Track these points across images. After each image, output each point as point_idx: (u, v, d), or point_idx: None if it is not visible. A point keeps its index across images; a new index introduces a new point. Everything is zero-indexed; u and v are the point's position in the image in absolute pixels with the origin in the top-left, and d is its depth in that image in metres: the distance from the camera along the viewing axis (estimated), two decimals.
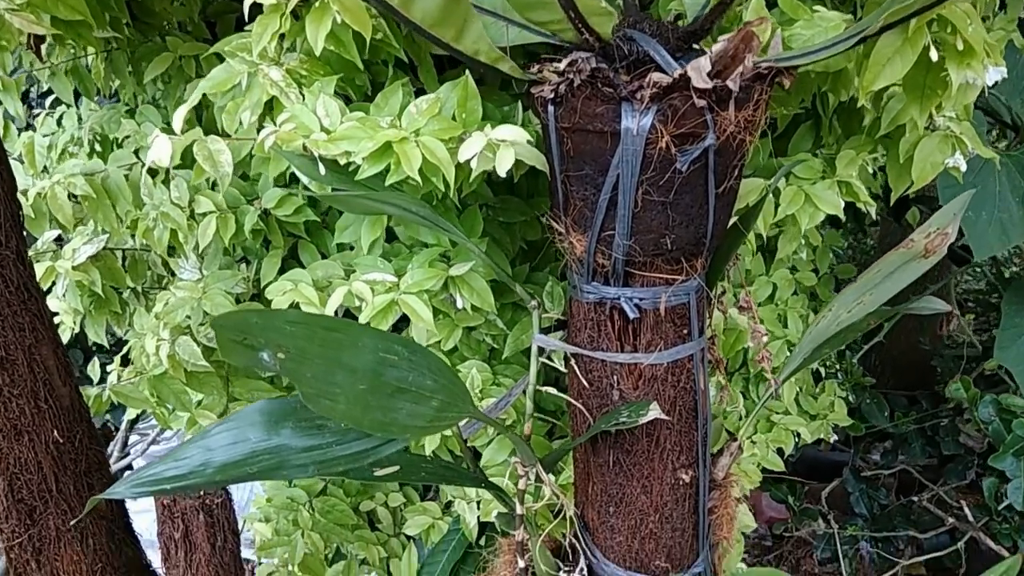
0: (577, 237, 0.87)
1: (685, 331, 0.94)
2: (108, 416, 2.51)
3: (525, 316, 1.17)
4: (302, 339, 0.64)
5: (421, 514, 1.56)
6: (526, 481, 1.03)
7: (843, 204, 1.00)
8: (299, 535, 1.50)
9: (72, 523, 1.05)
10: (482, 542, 1.52)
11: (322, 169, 0.80)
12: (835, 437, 1.89)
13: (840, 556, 2.26)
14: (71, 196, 1.20)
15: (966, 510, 2.05)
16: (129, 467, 2.24)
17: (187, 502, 1.11)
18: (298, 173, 0.82)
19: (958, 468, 2.32)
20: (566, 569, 1.09)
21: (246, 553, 2.42)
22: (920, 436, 2.41)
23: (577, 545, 1.12)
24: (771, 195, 1.01)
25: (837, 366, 1.86)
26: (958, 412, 2.39)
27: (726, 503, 1.10)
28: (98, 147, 1.39)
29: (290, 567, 1.47)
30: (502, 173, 0.78)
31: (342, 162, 0.80)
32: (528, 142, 0.79)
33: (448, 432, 1.32)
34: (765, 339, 0.99)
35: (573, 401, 1.00)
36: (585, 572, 1.08)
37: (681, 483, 1.00)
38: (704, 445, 1.01)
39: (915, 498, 2.32)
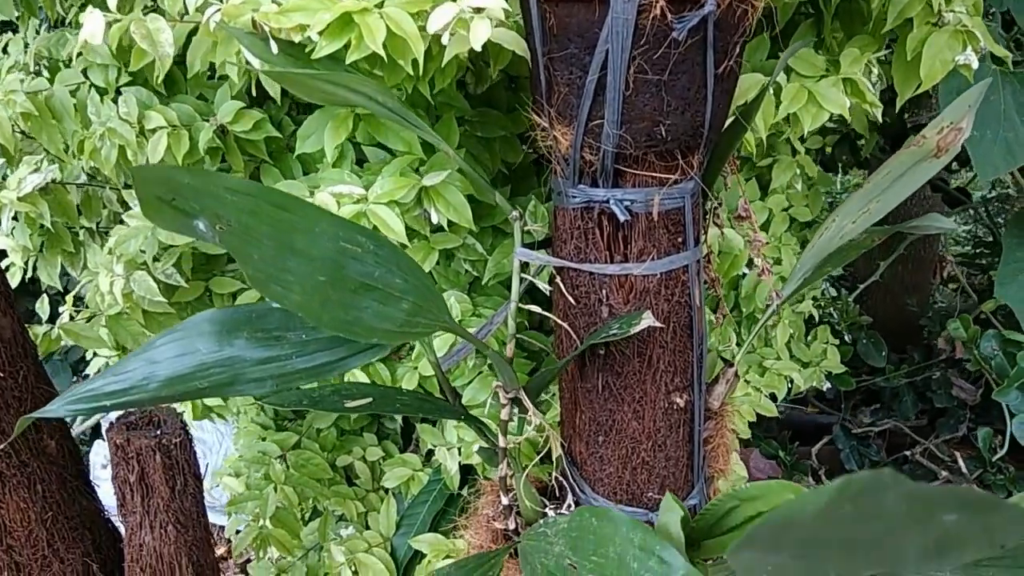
0: (562, 130, 0.79)
1: (680, 239, 0.86)
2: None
3: (506, 240, 1.09)
4: (247, 214, 0.56)
5: (400, 466, 1.49)
6: (509, 411, 0.96)
7: (848, 104, 0.93)
8: (271, 489, 1.42)
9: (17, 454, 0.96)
10: (464, 492, 1.45)
11: (274, 47, 0.71)
12: (828, 385, 1.83)
13: None
14: (13, 122, 1.10)
15: (960, 462, 2.00)
16: (96, 429, 2.15)
17: (142, 441, 1.02)
18: (248, 55, 0.74)
19: (950, 422, 2.27)
20: (553, 506, 1.02)
21: (217, 519, 2.34)
22: (911, 390, 2.36)
23: (564, 481, 1.05)
24: (772, 95, 0.93)
25: (833, 307, 1.80)
26: (951, 364, 2.35)
27: (722, 433, 1.04)
28: (46, 73, 1.29)
29: (262, 522, 1.39)
30: (477, 47, 0.69)
31: (297, 39, 0.71)
32: (504, 11, 0.71)
33: (428, 368, 1.24)
34: (764, 246, 0.91)
35: (559, 322, 0.93)
36: (573, 508, 1.01)
37: (675, 408, 0.93)
38: (699, 367, 0.94)
39: (907, 452, 2.28)
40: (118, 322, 1.25)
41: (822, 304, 1.69)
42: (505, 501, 1.02)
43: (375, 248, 0.67)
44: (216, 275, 1.32)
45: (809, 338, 1.83)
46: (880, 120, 0.97)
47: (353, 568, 1.35)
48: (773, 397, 1.64)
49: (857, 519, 0.27)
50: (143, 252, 1.18)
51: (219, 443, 2.31)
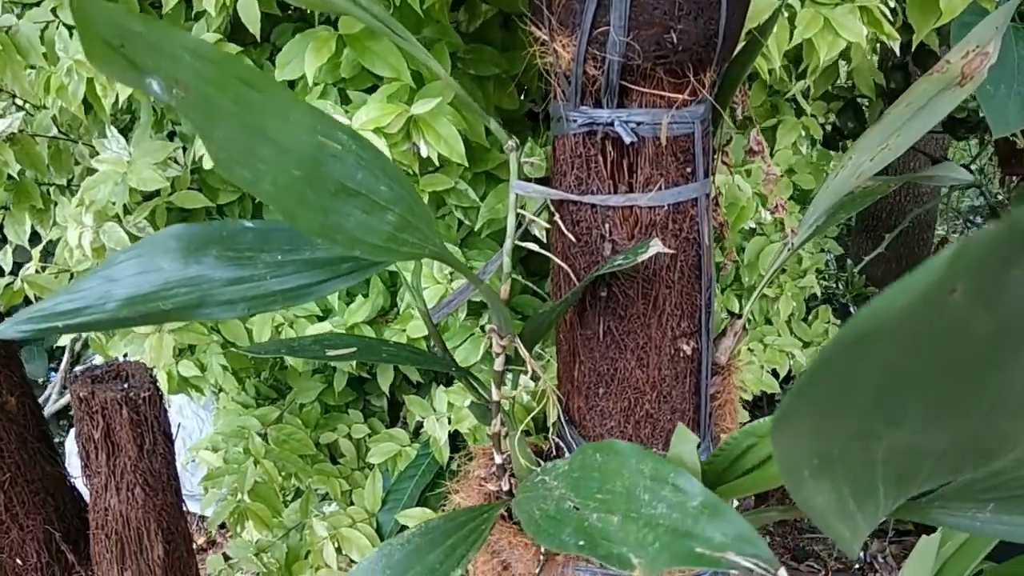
0: (563, 41, 0.73)
1: (689, 169, 0.80)
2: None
3: (500, 185, 1.03)
4: (209, 83, 0.49)
5: (387, 441, 1.42)
6: (503, 360, 0.89)
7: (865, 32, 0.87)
8: (250, 462, 1.34)
9: None
10: (454, 467, 1.38)
11: None
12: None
13: None
14: None
15: None
16: (67, 409, 2.07)
17: (107, 394, 0.95)
18: None
19: None
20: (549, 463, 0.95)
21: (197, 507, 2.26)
22: None
23: (560, 442, 0.98)
24: (787, 21, 0.88)
25: (837, 279, 1.74)
26: None
27: (729, 390, 0.97)
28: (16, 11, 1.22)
29: (240, 495, 1.32)
30: None
31: None
32: None
33: (416, 331, 1.18)
34: (778, 178, 0.85)
35: (559, 263, 0.86)
36: None
37: (682, 355, 0.87)
38: (708, 312, 0.88)
39: None
40: None
41: (825, 276, 1.64)
42: (498, 460, 0.95)
43: (357, 149, 0.60)
44: None
45: (810, 317, 1.78)
46: (887, 83, 0.91)
47: (336, 544, 1.28)
48: (775, 374, 1.58)
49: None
50: (113, 204, 1.12)
51: (199, 429, 2.23)
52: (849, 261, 1.86)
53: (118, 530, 1.00)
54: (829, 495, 0.42)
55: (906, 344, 0.23)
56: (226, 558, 1.41)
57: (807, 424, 0.33)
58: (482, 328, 1.18)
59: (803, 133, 1.33)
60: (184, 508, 1.09)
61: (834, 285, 1.66)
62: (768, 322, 1.66)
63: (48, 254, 1.25)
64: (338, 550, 1.27)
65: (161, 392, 1.00)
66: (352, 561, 1.39)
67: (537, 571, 0.92)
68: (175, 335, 1.20)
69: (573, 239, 0.83)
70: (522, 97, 1.13)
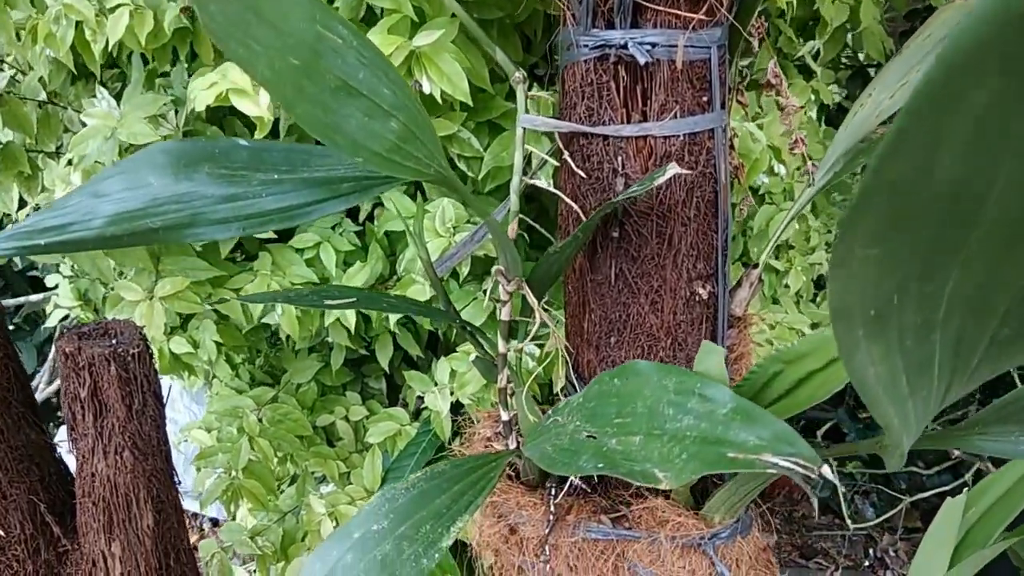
0: None
1: (705, 98, 0.77)
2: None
3: (504, 133, 0.99)
4: None
5: (386, 420, 1.37)
6: (510, 309, 0.85)
7: None
8: (245, 440, 1.30)
9: None
10: (456, 444, 1.34)
11: None
12: None
13: (839, 491, 2.10)
14: None
15: None
16: (57, 395, 2.02)
17: (95, 350, 0.90)
18: None
19: (958, 402, 2.18)
20: None
21: (191, 505, 2.20)
22: None
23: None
24: None
25: None
26: None
27: (745, 343, 0.93)
28: None
29: (234, 473, 1.27)
30: None
31: None
32: None
33: (418, 296, 1.13)
34: (798, 109, 0.81)
35: (569, 202, 0.82)
36: None
37: (698, 299, 0.83)
38: (724, 255, 0.84)
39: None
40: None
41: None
42: (505, 417, 0.91)
43: (359, 46, 0.56)
44: None
45: (818, 299, 1.74)
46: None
47: (335, 522, 1.22)
48: None
49: None
50: (100, 164, 1.08)
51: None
52: None
53: (105, 497, 0.95)
54: (881, 366, 0.38)
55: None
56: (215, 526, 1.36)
57: (868, 259, 0.29)
58: (485, 292, 1.14)
59: (812, 98, 1.30)
60: (176, 478, 1.04)
61: None
62: (775, 301, 1.62)
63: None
64: (337, 527, 1.22)
65: (151, 350, 0.95)
66: None
67: (546, 531, 0.88)
68: (167, 302, 1.16)
69: (584, 175, 0.80)
70: (526, 53, 1.10)
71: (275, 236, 1.24)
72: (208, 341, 1.33)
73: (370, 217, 1.24)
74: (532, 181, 0.81)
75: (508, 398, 0.90)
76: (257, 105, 0.85)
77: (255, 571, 1.56)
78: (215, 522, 2.25)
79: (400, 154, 0.61)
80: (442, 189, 1.03)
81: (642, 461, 0.52)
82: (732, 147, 0.89)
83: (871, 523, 2.20)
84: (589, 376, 0.90)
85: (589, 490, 0.91)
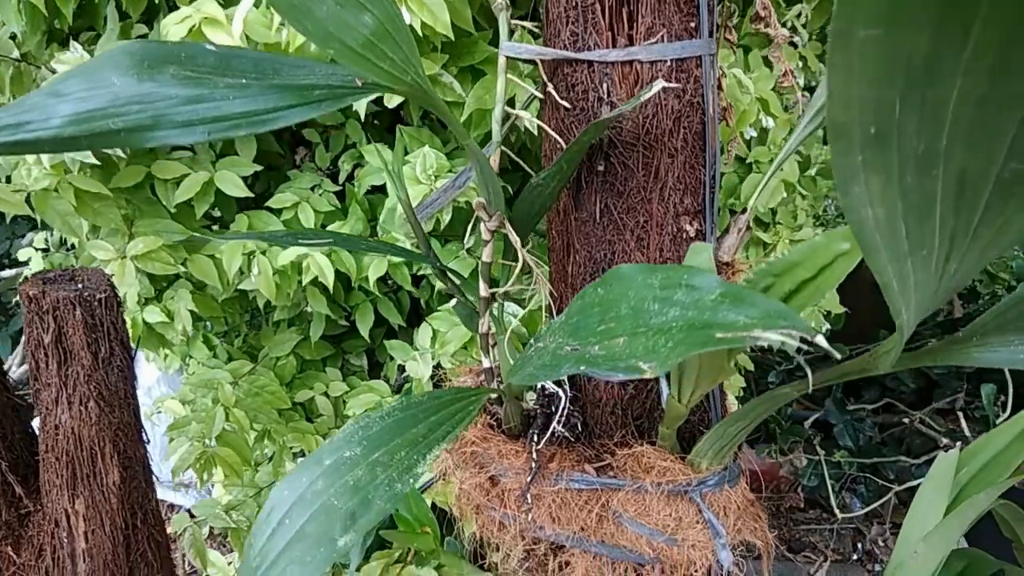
0: None
1: (693, 24, 0.75)
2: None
3: (487, 77, 0.97)
4: None
5: (367, 393, 1.34)
6: (492, 249, 0.82)
7: None
8: (220, 409, 1.26)
9: None
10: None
11: None
12: (826, 326, 1.72)
13: (827, 480, 2.08)
14: None
15: (963, 423, 1.89)
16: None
17: (59, 293, 0.87)
18: None
19: (952, 385, 2.17)
20: None
21: (167, 495, 2.14)
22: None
23: None
24: None
25: (837, 222, 1.69)
26: (948, 329, 2.25)
27: None
28: None
29: (207, 441, 1.23)
30: None
31: None
32: None
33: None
34: (787, 39, 0.79)
35: (554, 136, 0.80)
36: (562, 398, 0.87)
37: (684, 236, 0.81)
38: (712, 192, 0.81)
39: (906, 420, 2.16)
40: (46, 200, 1.10)
41: (824, 223, 1.59)
42: (487, 363, 0.88)
43: None
44: (160, 160, 1.18)
45: None
46: None
47: None
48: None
49: None
50: None
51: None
52: None
53: (69, 451, 0.92)
54: (880, 207, 0.36)
55: None
56: (191, 516, 1.32)
57: (869, 44, 0.27)
58: (469, 251, 1.11)
59: (799, 64, 1.28)
60: (144, 437, 1.00)
61: (837, 221, 1.62)
62: None
63: (7, 183, 1.18)
64: None
65: (119, 297, 0.92)
66: None
67: (528, 480, 0.85)
68: (140, 262, 1.13)
69: (568, 106, 0.77)
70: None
71: (252, 197, 1.21)
72: (183, 310, 1.29)
73: (350, 179, 1.21)
74: (518, 113, 0.79)
75: (490, 345, 0.87)
76: (230, 35, 0.82)
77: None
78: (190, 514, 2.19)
79: (374, 52, 0.59)
80: (422, 136, 1.00)
81: (626, 358, 0.49)
82: (721, 88, 0.87)
83: (859, 512, 2.18)
84: None
85: (573, 439, 0.88)
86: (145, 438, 1.01)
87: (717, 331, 0.44)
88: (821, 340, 0.41)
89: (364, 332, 1.30)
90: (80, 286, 0.89)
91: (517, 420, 0.87)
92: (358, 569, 1.35)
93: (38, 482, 1.00)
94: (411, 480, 0.63)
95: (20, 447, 1.03)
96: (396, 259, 1.10)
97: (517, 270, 0.83)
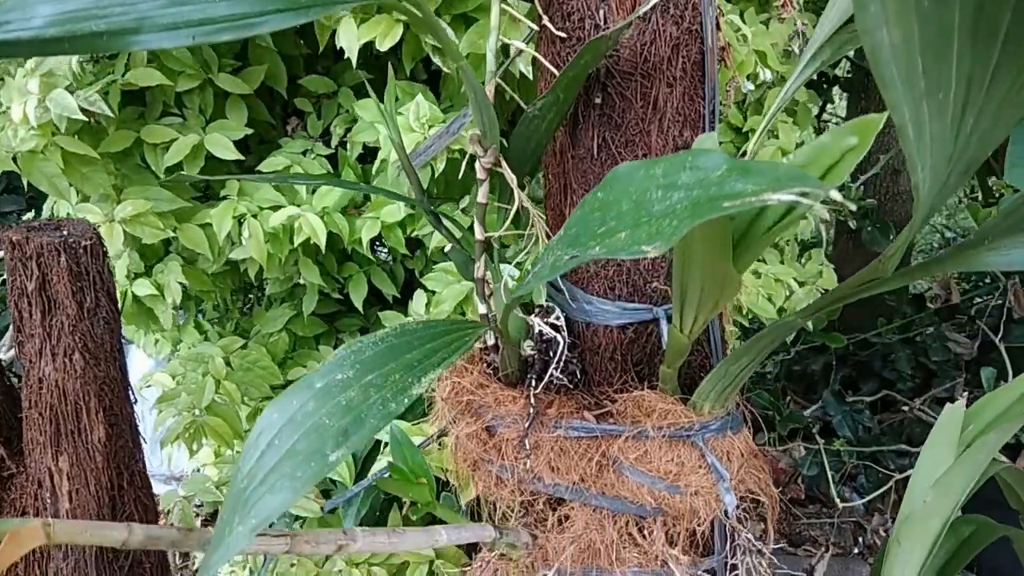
0: None
1: None
2: None
3: (480, 23, 0.95)
4: None
5: None
6: (487, 188, 0.80)
7: None
8: (210, 380, 1.23)
9: None
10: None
11: None
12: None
13: (826, 469, 2.06)
14: None
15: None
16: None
17: (43, 239, 0.84)
18: None
19: (951, 374, 2.15)
20: (538, 311, 0.86)
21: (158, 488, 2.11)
22: (905, 346, 2.24)
23: (551, 303, 0.89)
24: None
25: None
26: (945, 317, 2.24)
27: None
28: None
29: (196, 412, 1.20)
30: None
31: None
32: None
33: (390, 216, 1.09)
34: None
35: (551, 68, 0.78)
36: (561, 318, 0.85)
37: None
38: (711, 126, 0.80)
39: (905, 407, 2.14)
40: (32, 162, 1.08)
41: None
42: (482, 310, 0.86)
43: None
44: (149, 124, 1.17)
45: (803, 259, 1.71)
46: None
47: None
48: (770, 300, 1.51)
49: None
50: (61, 75, 1.03)
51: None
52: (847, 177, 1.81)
53: (53, 405, 0.89)
54: (896, 29, 0.34)
55: None
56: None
57: None
58: (463, 211, 1.09)
59: (796, 24, 1.28)
60: (131, 396, 0.98)
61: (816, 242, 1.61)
62: (762, 260, 1.59)
63: None
64: None
65: (104, 246, 0.90)
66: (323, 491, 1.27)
67: (526, 426, 0.82)
68: (129, 226, 1.10)
69: (564, 35, 0.76)
70: None
71: (242, 164, 1.19)
72: (173, 283, 1.27)
73: (342, 144, 1.19)
74: (513, 43, 0.77)
75: (485, 292, 0.85)
76: None
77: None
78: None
79: None
80: (414, 91, 0.99)
81: (628, 247, 0.47)
82: (719, 26, 0.85)
83: (861, 501, 2.15)
84: (572, 273, 0.85)
85: (571, 387, 0.85)
86: (132, 398, 0.98)
87: (724, 201, 0.43)
88: (835, 194, 0.39)
89: (358, 303, 1.27)
90: (65, 233, 0.86)
91: (515, 366, 0.84)
92: None
93: (21, 444, 0.97)
94: (405, 400, 0.60)
95: (3, 407, 1.00)
96: (390, 220, 1.08)
97: (512, 212, 0.82)
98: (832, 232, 2.61)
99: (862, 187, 1.61)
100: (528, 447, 0.82)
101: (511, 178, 0.79)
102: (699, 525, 0.88)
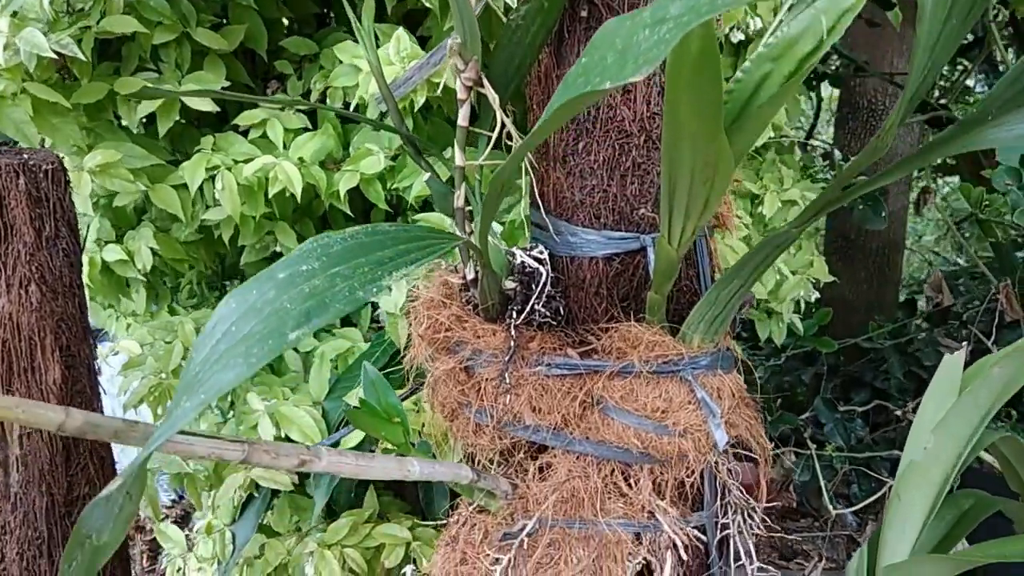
0: None
1: None
2: None
3: None
4: None
5: (338, 339, 1.27)
6: (468, 109, 0.77)
7: None
8: (178, 343, 1.18)
9: None
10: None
11: None
12: (816, 295, 1.67)
13: (818, 474, 2.01)
14: None
15: None
16: None
17: (1, 160, 0.80)
18: None
19: None
20: (524, 247, 0.82)
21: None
22: (897, 351, 2.21)
23: (536, 236, 0.85)
24: None
25: (828, 170, 1.66)
26: (936, 322, 2.21)
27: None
28: None
29: (164, 375, 1.15)
30: None
31: None
32: None
33: (370, 168, 1.05)
34: None
35: None
36: (544, 252, 0.81)
37: None
38: None
39: (898, 412, 2.10)
40: (1, 107, 1.04)
41: (813, 177, 1.55)
42: (466, 233, 0.82)
43: None
44: (124, 77, 1.13)
45: (794, 249, 1.69)
46: None
47: (275, 426, 1.10)
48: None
49: None
50: (32, 19, 1.00)
51: None
52: (837, 153, 1.79)
53: (5, 339, 0.84)
54: None
55: None
56: None
57: None
58: (445, 164, 1.05)
59: None
60: (91, 338, 0.93)
61: (826, 179, 1.58)
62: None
63: None
64: (277, 425, 1.09)
65: (67, 175, 0.86)
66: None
67: (506, 358, 0.78)
68: (98, 177, 1.06)
69: None
70: None
71: (219, 110, 1.16)
72: (144, 249, 1.23)
73: (322, 99, 1.16)
74: None
75: (466, 222, 0.81)
76: None
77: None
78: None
79: None
80: (394, 30, 0.96)
81: (614, 79, 0.44)
82: None
83: (853, 509, 2.10)
84: (556, 196, 0.81)
85: (555, 323, 0.81)
86: (92, 341, 0.93)
87: (715, 9, 0.39)
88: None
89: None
90: (25, 156, 0.82)
91: (495, 298, 0.80)
92: (324, 529, 1.26)
93: None
94: (374, 290, 0.56)
95: None
96: (369, 172, 1.04)
97: (494, 136, 0.78)
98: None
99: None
100: (508, 381, 0.78)
101: (493, 97, 0.76)
102: (688, 475, 0.83)
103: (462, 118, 0.78)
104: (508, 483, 0.83)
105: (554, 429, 0.80)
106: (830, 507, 2.03)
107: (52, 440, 0.87)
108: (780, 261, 1.52)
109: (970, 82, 2.71)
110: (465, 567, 0.83)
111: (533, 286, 0.80)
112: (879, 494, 2.06)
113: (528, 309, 0.79)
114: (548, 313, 0.80)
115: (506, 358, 0.78)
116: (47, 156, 0.84)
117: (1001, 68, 2.34)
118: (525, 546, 0.80)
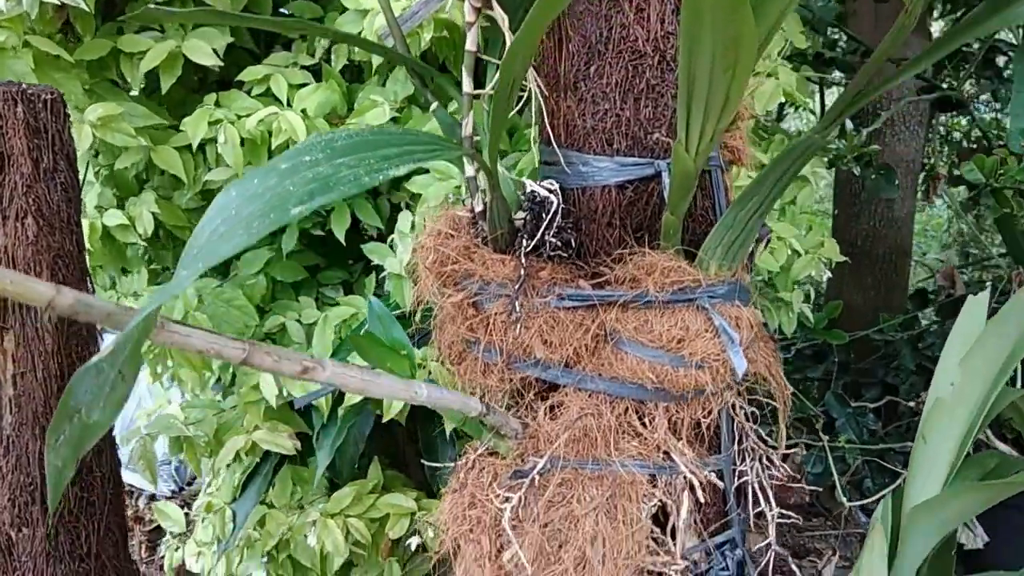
0: None
1: None
2: None
3: None
4: None
5: (344, 306, 1.24)
6: (475, 37, 0.75)
7: None
8: (179, 304, 1.16)
9: None
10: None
11: None
12: (828, 275, 1.64)
13: (831, 467, 1.97)
14: None
15: None
16: None
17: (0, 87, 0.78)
18: None
19: None
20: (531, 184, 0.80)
21: (130, 478, 1.99)
22: (908, 344, 2.18)
23: (546, 165, 0.83)
24: None
25: (840, 139, 1.63)
26: (948, 313, 2.18)
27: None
28: None
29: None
30: None
31: None
32: None
33: (376, 119, 1.03)
34: None
35: None
36: (555, 184, 0.78)
37: None
38: None
39: (912, 404, 2.06)
40: (2, 59, 1.03)
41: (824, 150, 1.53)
42: (470, 171, 0.79)
43: None
44: (128, 35, 1.12)
45: (804, 230, 1.67)
46: None
47: (278, 389, 1.07)
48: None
49: None
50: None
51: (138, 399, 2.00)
52: (848, 123, 1.76)
53: None
54: None
55: None
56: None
57: None
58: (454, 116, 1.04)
59: None
60: (89, 283, 0.90)
61: (837, 147, 1.55)
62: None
63: None
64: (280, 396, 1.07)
65: (66, 107, 0.84)
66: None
67: (516, 287, 0.75)
68: (99, 131, 1.05)
69: None
70: None
71: (222, 64, 1.14)
72: (145, 214, 1.21)
73: (327, 59, 1.14)
74: None
75: (475, 154, 0.79)
76: None
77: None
78: (153, 498, 2.03)
79: None
80: None
81: None
82: None
83: (868, 501, 2.05)
84: (567, 124, 0.79)
85: (566, 255, 0.78)
86: (90, 287, 0.91)
87: None
88: None
89: (340, 235, 1.21)
90: (24, 85, 0.81)
91: (504, 227, 0.78)
92: (328, 496, 1.23)
93: None
94: (380, 178, 0.54)
95: None
96: (374, 125, 1.02)
97: (503, 63, 0.76)
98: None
99: (858, 134, 1.56)
100: (519, 311, 0.75)
101: (502, 18, 0.74)
102: (705, 415, 0.80)
103: (470, 42, 0.76)
104: (518, 421, 0.80)
105: (565, 365, 0.77)
106: (844, 500, 1.99)
107: (46, 381, 0.85)
108: (792, 238, 1.50)
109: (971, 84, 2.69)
110: (474, 511, 0.80)
111: (543, 215, 0.77)
112: (893, 487, 2.02)
113: (539, 238, 0.76)
114: (559, 244, 0.78)
115: (516, 287, 0.75)
116: (46, 88, 0.82)
117: (1000, 63, 2.33)
118: (536, 484, 0.77)
